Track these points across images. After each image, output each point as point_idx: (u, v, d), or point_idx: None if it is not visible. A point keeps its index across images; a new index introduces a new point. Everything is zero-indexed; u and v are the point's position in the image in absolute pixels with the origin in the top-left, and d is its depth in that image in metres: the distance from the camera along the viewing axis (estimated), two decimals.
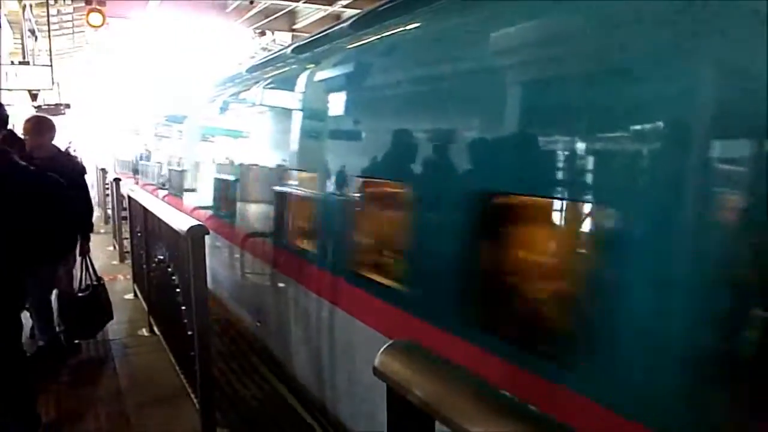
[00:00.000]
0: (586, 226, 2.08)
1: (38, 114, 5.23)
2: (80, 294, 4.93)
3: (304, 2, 14.61)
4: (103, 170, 13.15)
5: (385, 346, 1.25)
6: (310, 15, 15.99)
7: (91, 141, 27.55)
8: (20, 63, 12.29)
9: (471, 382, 1.11)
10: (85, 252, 5.01)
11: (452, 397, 1.06)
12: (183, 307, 3.88)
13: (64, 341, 4.78)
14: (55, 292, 4.73)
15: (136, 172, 13.05)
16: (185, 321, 3.79)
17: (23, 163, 3.28)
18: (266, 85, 5.17)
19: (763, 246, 1.50)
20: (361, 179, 3.27)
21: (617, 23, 1.92)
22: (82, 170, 5.09)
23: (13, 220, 2.93)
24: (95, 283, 5.03)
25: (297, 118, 4.30)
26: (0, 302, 2.99)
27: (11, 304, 3.06)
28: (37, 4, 13.53)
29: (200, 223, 3.41)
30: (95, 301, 4.95)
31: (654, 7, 1.79)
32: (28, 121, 4.71)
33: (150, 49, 19.81)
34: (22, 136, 4.41)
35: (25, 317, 4.61)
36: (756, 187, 1.50)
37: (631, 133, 1.82)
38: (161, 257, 4.68)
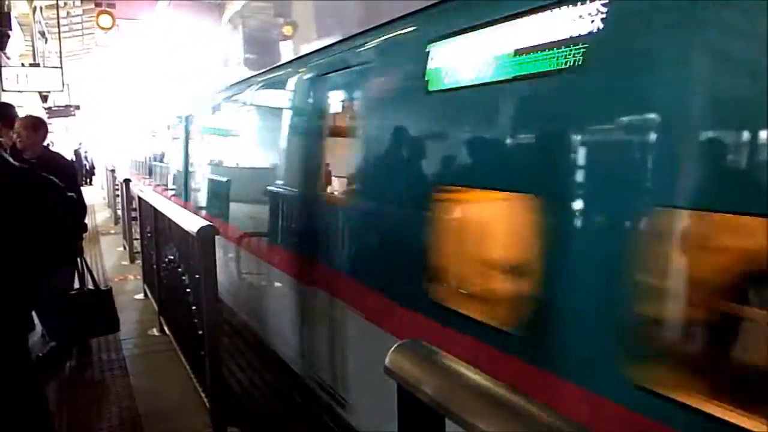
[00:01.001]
0: None
1: (31, 114, 5.15)
2: (71, 292, 4.60)
3: None
4: (113, 171, 13.21)
5: (395, 346, 1.27)
6: None
7: (101, 142, 27.70)
8: (31, 65, 12.39)
9: (481, 381, 1.12)
10: (79, 253, 4.66)
11: (462, 395, 1.08)
12: (193, 307, 3.91)
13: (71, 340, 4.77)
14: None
15: (150, 173, 12.77)
16: (195, 321, 3.83)
17: (13, 161, 3.17)
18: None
19: None
20: None
21: None
22: (72, 168, 4.95)
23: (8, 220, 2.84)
24: (93, 288, 4.68)
25: None
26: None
27: (12, 307, 2.98)
28: (47, 7, 13.65)
29: (209, 223, 3.44)
30: (82, 304, 4.54)
31: None
32: (22, 119, 4.59)
33: (159, 49, 19.88)
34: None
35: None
36: None
37: None
38: (171, 257, 4.72)
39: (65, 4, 14.42)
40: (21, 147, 4.36)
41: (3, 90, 10.70)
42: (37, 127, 4.57)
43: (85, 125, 27.77)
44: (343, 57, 3.51)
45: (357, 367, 3.32)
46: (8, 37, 9.95)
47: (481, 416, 1.01)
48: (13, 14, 10.29)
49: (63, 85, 12.47)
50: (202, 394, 3.85)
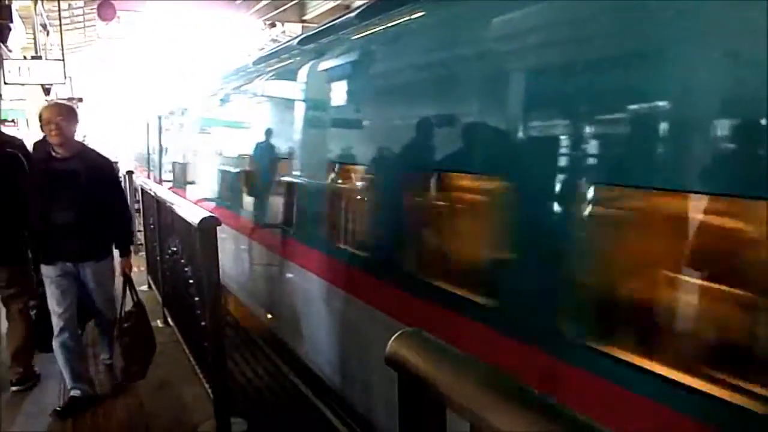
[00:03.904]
0: None
1: (58, 101, 4.67)
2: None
3: None
4: (116, 163, 13.23)
5: (396, 335, 1.25)
6: (319, 6, 15.94)
7: (105, 134, 27.74)
8: (33, 58, 12.35)
9: (482, 370, 1.10)
10: (126, 271, 4.10)
11: (463, 384, 1.06)
12: (196, 298, 3.91)
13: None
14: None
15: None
16: (198, 312, 3.82)
17: None
18: None
19: None
20: None
21: None
22: (111, 170, 4.21)
23: None
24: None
25: None
26: None
27: None
28: None
29: (212, 214, 3.43)
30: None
31: None
32: (54, 106, 3.85)
33: (160, 41, 19.86)
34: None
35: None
36: None
37: None
38: (174, 249, 4.72)
39: None
40: (58, 142, 3.66)
41: (5, 83, 10.67)
42: (73, 115, 3.75)
43: (89, 118, 27.83)
44: None
45: None
46: (9, 29, 9.89)
47: (484, 406, 0.99)
48: (14, 7, 10.24)
49: (65, 77, 12.43)
50: (206, 385, 3.86)
